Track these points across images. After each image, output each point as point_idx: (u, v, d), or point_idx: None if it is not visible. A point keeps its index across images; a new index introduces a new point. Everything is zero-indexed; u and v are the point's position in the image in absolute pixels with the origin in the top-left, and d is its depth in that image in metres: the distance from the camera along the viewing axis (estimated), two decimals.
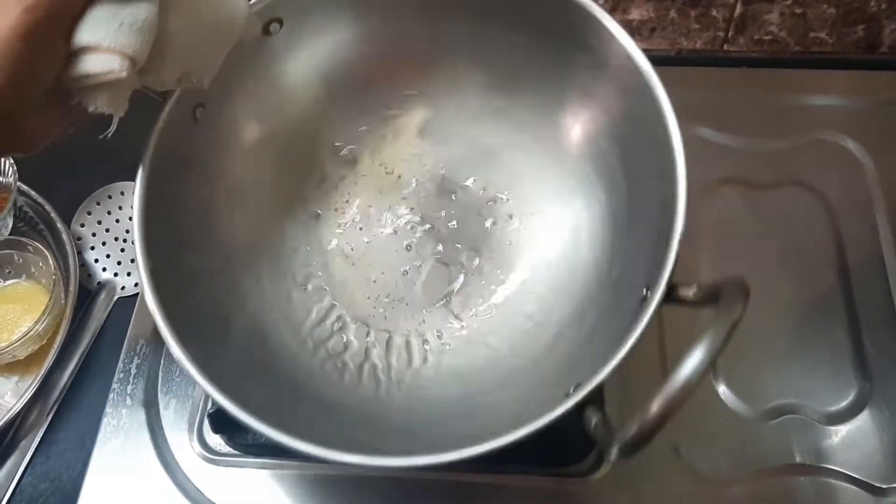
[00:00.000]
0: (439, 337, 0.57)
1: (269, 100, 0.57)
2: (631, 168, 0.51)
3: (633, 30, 0.76)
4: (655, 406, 0.34)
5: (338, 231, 0.60)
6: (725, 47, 0.78)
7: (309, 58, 0.56)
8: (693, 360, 0.34)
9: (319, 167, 0.61)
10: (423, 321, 0.57)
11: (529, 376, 0.51)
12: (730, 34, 0.76)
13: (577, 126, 0.56)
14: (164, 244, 0.47)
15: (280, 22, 0.52)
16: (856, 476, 0.54)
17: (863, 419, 0.56)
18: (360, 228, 0.60)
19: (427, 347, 0.56)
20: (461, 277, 0.58)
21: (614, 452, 0.37)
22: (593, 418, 0.40)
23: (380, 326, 0.57)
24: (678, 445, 0.56)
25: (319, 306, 0.58)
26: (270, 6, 0.51)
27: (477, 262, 0.59)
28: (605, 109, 0.53)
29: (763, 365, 0.59)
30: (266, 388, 0.48)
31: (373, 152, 0.62)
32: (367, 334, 0.57)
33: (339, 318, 0.57)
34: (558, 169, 0.58)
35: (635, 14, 0.75)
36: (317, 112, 0.59)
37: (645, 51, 0.49)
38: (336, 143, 0.61)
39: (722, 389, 0.58)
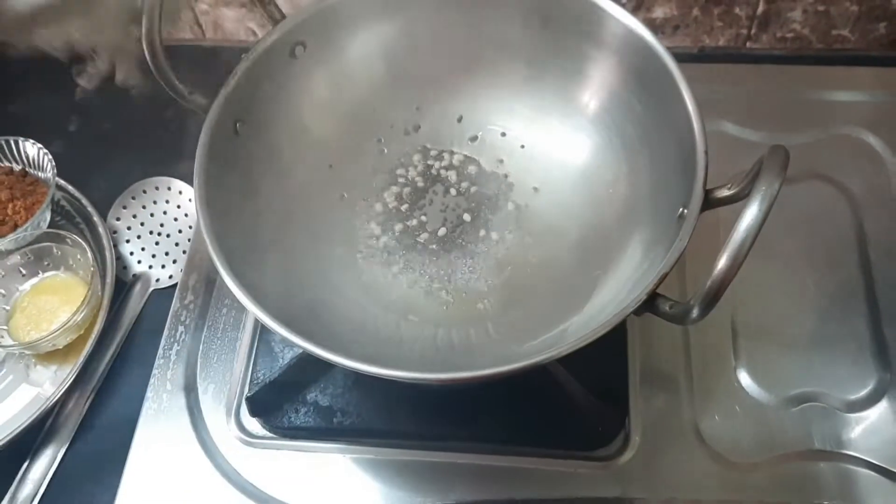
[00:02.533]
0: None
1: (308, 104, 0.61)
2: (644, 121, 0.55)
3: (656, 27, 0.77)
4: (724, 259, 0.38)
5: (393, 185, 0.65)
6: (748, 45, 0.78)
7: (332, 75, 0.61)
8: (750, 213, 0.38)
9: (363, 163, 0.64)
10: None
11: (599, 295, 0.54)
12: (752, 31, 0.77)
13: (597, 94, 0.59)
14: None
15: (304, 45, 0.58)
16: (875, 462, 0.55)
17: (882, 407, 0.57)
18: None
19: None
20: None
21: (695, 312, 0.41)
22: (664, 303, 0.44)
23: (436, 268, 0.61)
24: (702, 431, 0.57)
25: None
26: (294, 30, 0.57)
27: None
28: (617, 77, 0.57)
29: (785, 354, 0.59)
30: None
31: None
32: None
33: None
34: (584, 134, 0.61)
35: (659, 12, 0.75)
36: (355, 114, 0.63)
37: (668, 48, 0.52)
38: (377, 140, 0.65)
39: (744, 377, 0.59)
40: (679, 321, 0.43)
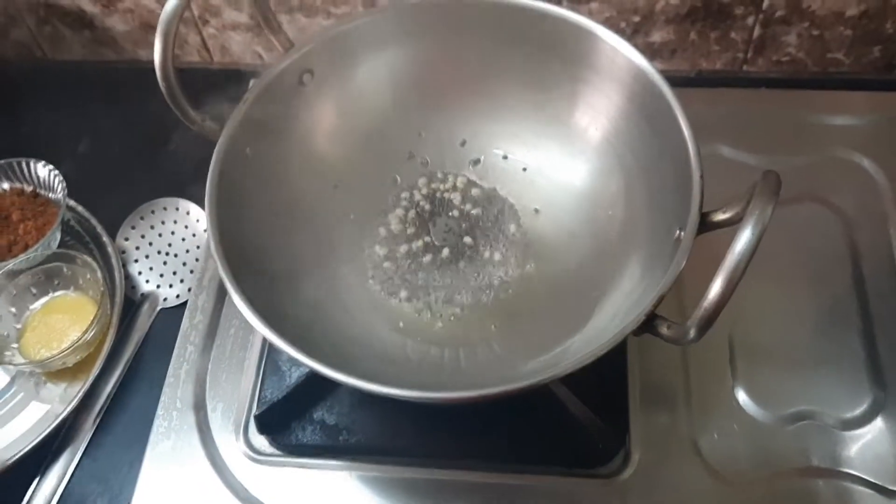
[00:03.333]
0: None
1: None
2: (642, 145, 0.56)
3: (654, 52, 0.78)
4: (718, 283, 0.39)
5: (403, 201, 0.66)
6: (745, 68, 0.79)
7: (339, 101, 0.62)
8: (744, 237, 0.38)
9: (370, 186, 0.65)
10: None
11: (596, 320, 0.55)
12: (749, 55, 0.77)
13: (596, 119, 0.60)
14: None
15: (312, 72, 0.59)
16: (871, 479, 0.55)
17: (877, 425, 0.57)
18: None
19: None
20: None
21: (691, 334, 0.41)
22: (662, 325, 0.45)
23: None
24: (700, 448, 0.57)
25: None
26: (302, 59, 0.58)
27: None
28: (615, 103, 0.58)
29: (782, 372, 0.60)
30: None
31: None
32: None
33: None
34: (584, 157, 0.62)
35: (656, 36, 0.76)
36: (361, 138, 0.64)
37: (665, 71, 0.53)
38: (383, 163, 0.66)
39: (742, 395, 0.59)
40: (676, 342, 0.44)
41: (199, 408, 0.62)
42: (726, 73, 0.80)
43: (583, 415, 0.55)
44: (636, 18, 0.75)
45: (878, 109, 0.74)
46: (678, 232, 0.48)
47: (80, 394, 0.62)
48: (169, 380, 0.63)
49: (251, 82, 0.57)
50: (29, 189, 0.72)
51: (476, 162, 0.66)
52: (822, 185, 0.68)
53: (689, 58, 0.79)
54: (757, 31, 0.75)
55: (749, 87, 0.78)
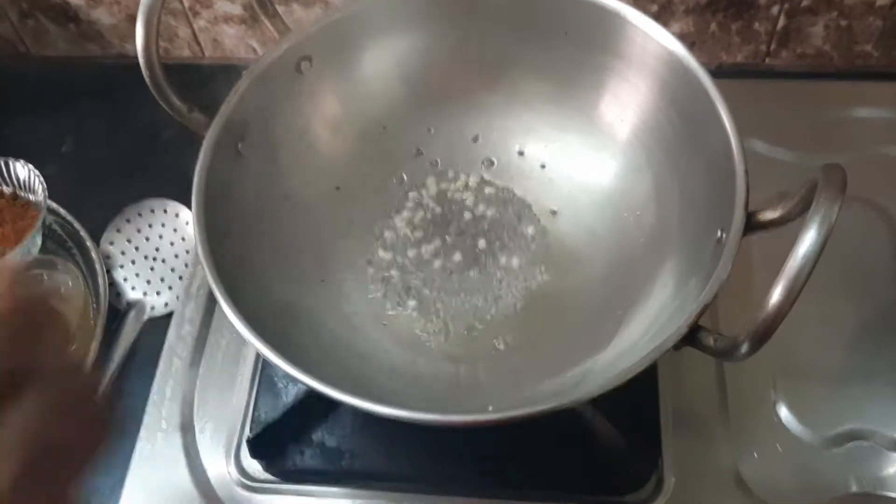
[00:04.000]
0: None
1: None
2: (674, 139, 0.54)
3: None
4: (780, 290, 0.36)
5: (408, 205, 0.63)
6: (767, 61, 0.77)
7: (340, 92, 0.60)
8: (809, 238, 0.36)
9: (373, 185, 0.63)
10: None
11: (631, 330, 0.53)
12: (772, 48, 0.75)
13: (622, 112, 0.58)
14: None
15: (310, 60, 0.57)
16: None
17: None
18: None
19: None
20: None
21: (744, 348, 0.39)
22: (707, 337, 0.42)
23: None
24: (741, 472, 0.54)
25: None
26: (300, 44, 0.56)
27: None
28: (644, 93, 0.55)
29: (827, 388, 0.57)
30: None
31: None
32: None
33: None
34: (608, 154, 0.60)
35: (675, 28, 0.74)
36: (364, 133, 0.62)
37: None
38: (388, 161, 0.64)
39: (784, 413, 0.56)
40: (725, 357, 0.41)
41: (187, 429, 0.59)
42: (748, 67, 0.78)
43: (611, 437, 0.53)
44: (654, 8, 0.72)
45: None
46: (720, 234, 0.45)
47: None
48: (153, 398, 0.60)
49: (245, 72, 0.55)
50: (8, 191, 0.70)
51: (490, 159, 0.64)
52: (865, 183, 0.64)
53: (708, 50, 0.76)
54: (781, 22, 0.73)
55: (772, 79, 0.76)
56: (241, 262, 0.49)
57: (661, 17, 0.73)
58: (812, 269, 0.35)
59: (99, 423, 0.30)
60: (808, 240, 0.35)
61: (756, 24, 0.73)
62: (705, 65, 0.75)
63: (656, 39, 0.51)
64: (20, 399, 0.27)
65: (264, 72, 0.54)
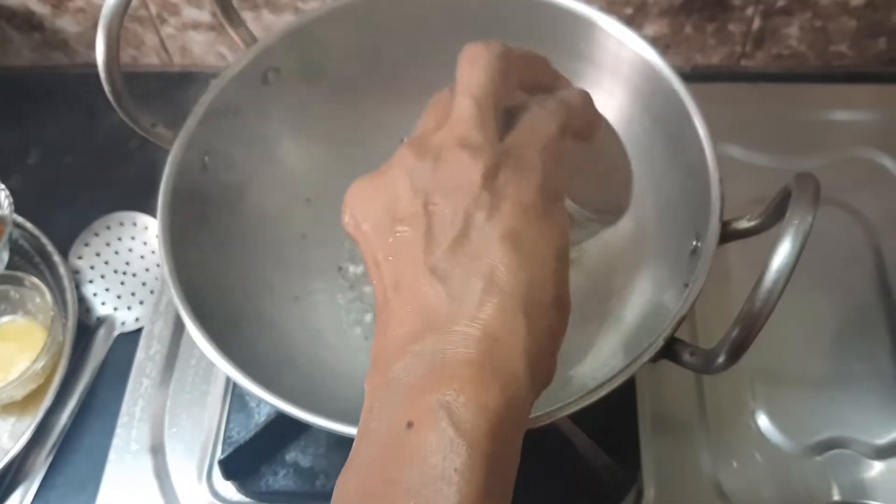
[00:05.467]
0: None
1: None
2: (649, 147, 0.53)
3: None
4: (756, 302, 0.35)
5: None
6: (743, 63, 0.77)
7: (308, 102, 0.59)
8: (783, 249, 0.35)
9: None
10: None
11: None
12: (747, 49, 0.75)
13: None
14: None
15: (277, 70, 0.56)
16: None
17: None
18: None
19: None
20: None
21: (720, 360, 0.38)
22: (683, 351, 0.41)
23: None
24: (721, 482, 0.54)
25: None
26: (266, 54, 0.55)
27: None
28: (618, 100, 0.55)
29: (806, 395, 0.57)
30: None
31: None
32: None
33: None
34: None
35: (650, 30, 0.74)
36: (335, 144, 0.61)
37: None
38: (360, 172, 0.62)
39: (763, 422, 0.56)
40: (701, 370, 0.40)
41: (157, 450, 0.58)
42: (723, 69, 0.78)
43: (589, 451, 0.52)
44: (628, 10, 0.72)
45: (889, 103, 0.71)
46: (695, 243, 0.44)
47: (31, 429, 0.59)
48: (122, 419, 0.60)
49: (210, 83, 0.54)
50: None
51: None
52: (839, 186, 0.65)
53: (683, 52, 0.76)
54: (756, 23, 0.73)
55: (748, 82, 0.76)
56: (209, 277, 0.49)
57: (636, 19, 0.73)
58: (787, 280, 0.34)
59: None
60: (782, 252, 0.34)
61: (731, 26, 0.73)
62: (680, 67, 0.75)
63: (629, 46, 0.51)
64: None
65: (230, 83, 0.53)
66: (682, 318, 0.41)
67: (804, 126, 0.70)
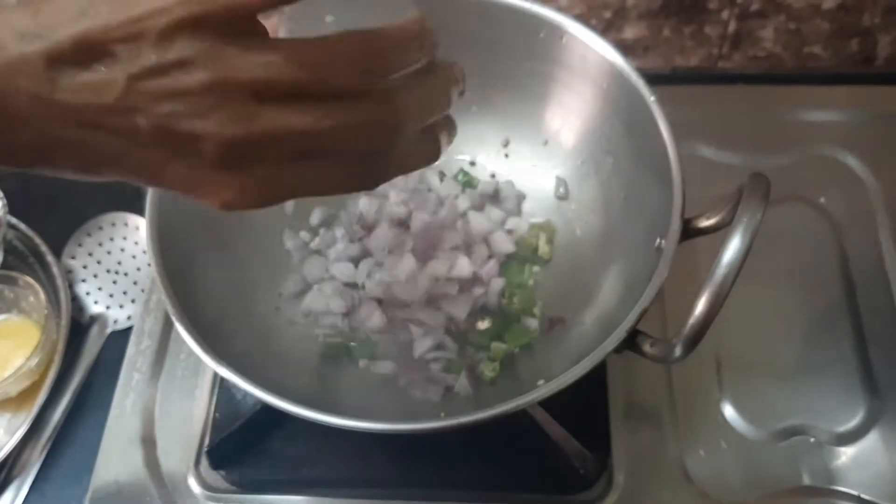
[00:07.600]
0: None
1: None
2: (619, 148, 0.55)
3: (626, 48, 0.75)
4: (706, 296, 0.37)
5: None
6: (720, 64, 0.78)
7: None
8: (732, 246, 0.37)
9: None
10: None
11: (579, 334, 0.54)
12: (724, 50, 0.76)
13: (568, 121, 0.59)
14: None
15: None
16: (867, 498, 0.53)
17: (872, 439, 0.55)
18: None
19: None
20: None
21: (677, 351, 0.40)
22: (645, 342, 0.43)
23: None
24: (688, 469, 0.55)
25: None
26: None
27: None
28: (589, 102, 0.56)
29: (771, 384, 0.58)
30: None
31: None
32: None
33: None
34: (556, 162, 0.60)
35: (629, 33, 0.75)
36: None
37: (638, 69, 0.51)
38: None
39: (729, 411, 0.57)
40: (661, 360, 0.42)
41: (148, 442, 0.59)
42: (701, 70, 0.79)
43: (561, 438, 0.53)
44: (607, 14, 0.73)
45: (858, 104, 0.72)
46: (659, 241, 0.46)
47: (26, 425, 0.59)
48: (113, 412, 0.60)
49: None
50: None
51: (442, 171, 0.63)
52: (806, 184, 0.67)
53: (662, 54, 0.77)
54: (732, 26, 0.74)
55: (725, 83, 0.76)
56: (197, 275, 0.49)
57: (615, 22, 0.74)
58: (737, 274, 0.36)
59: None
60: (732, 248, 0.36)
61: (707, 28, 0.74)
62: (660, 68, 0.78)
63: (596, 50, 0.52)
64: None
65: None
66: (644, 311, 0.42)
67: (778, 126, 0.71)
